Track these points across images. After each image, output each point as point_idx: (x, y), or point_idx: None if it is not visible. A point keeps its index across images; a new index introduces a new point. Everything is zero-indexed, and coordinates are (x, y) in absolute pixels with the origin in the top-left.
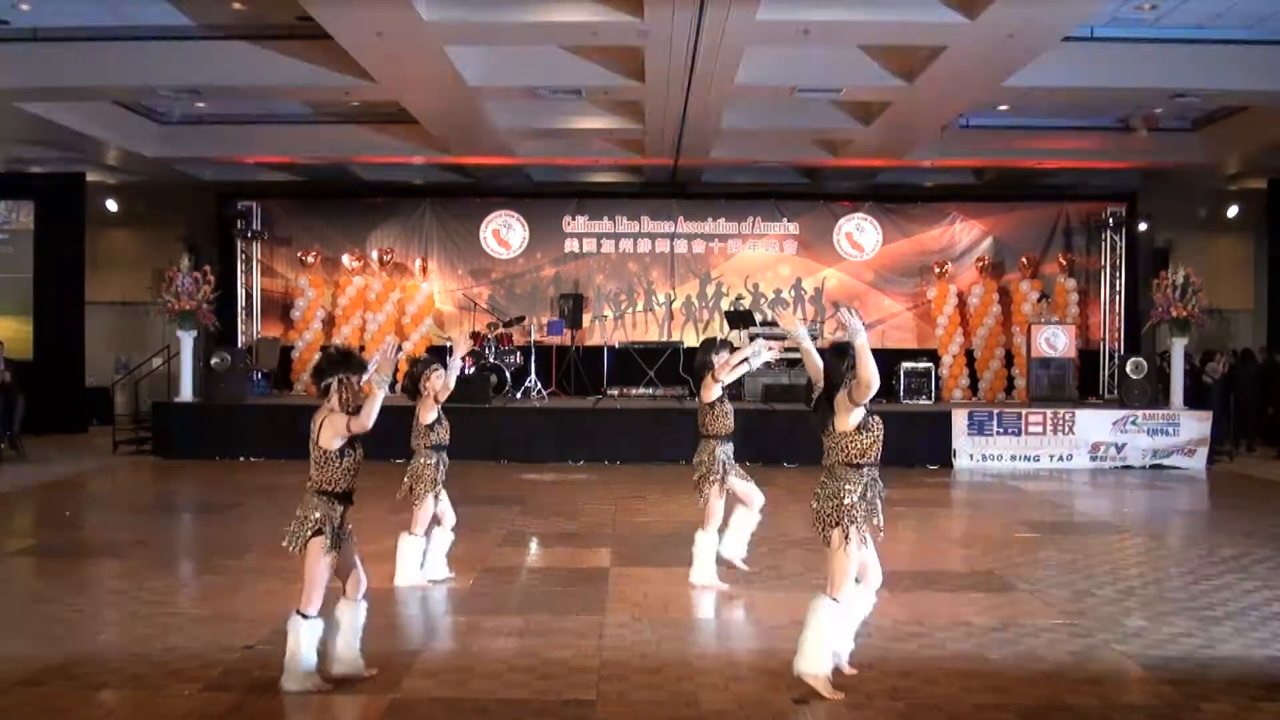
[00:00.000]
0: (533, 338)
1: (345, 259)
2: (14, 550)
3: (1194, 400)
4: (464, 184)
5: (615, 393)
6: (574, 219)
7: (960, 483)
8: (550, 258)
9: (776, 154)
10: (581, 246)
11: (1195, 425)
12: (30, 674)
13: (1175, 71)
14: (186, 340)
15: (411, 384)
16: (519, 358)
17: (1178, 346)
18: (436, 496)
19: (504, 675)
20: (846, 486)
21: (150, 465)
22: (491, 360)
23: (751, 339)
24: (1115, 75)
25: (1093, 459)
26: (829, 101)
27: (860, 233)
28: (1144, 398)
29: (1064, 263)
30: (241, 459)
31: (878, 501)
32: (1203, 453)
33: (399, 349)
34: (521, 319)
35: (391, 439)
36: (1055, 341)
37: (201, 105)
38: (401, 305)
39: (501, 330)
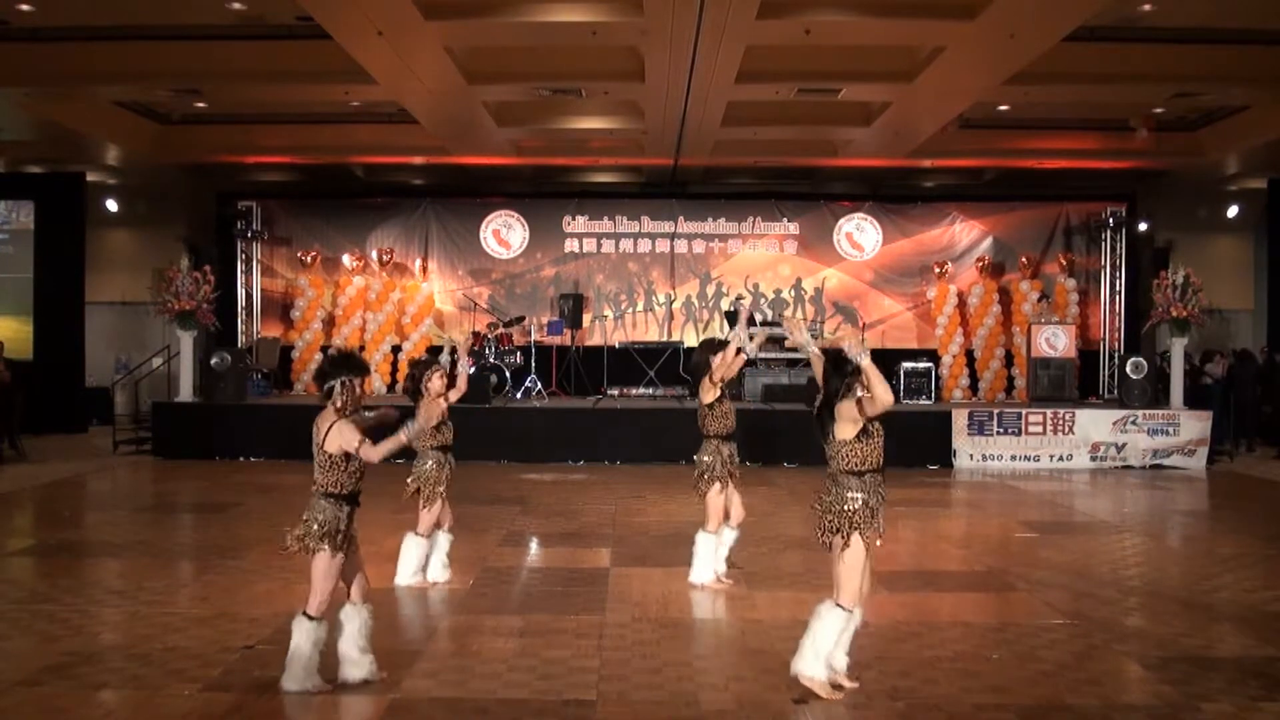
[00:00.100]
0: (533, 338)
1: (345, 259)
2: (14, 550)
3: (1194, 400)
4: (464, 184)
5: (615, 393)
6: (574, 219)
7: (960, 483)
8: (550, 258)
9: (776, 154)
10: (581, 246)
11: (1195, 425)
12: (30, 674)
13: (1175, 71)
14: (186, 340)
15: (413, 384)
16: (519, 358)
17: (1178, 346)
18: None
19: (504, 675)
20: (848, 494)
21: (150, 465)
22: (491, 360)
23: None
24: (1115, 75)
25: (1093, 459)
26: (829, 101)
27: (860, 233)
28: (1144, 398)
29: (1064, 263)
30: (241, 459)
31: (879, 509)
32: (1203, 453)
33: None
34: (521, 319)
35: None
36: (1055, 341)
37: (201, 105)
38: (401, 305)
39: (501, 330)
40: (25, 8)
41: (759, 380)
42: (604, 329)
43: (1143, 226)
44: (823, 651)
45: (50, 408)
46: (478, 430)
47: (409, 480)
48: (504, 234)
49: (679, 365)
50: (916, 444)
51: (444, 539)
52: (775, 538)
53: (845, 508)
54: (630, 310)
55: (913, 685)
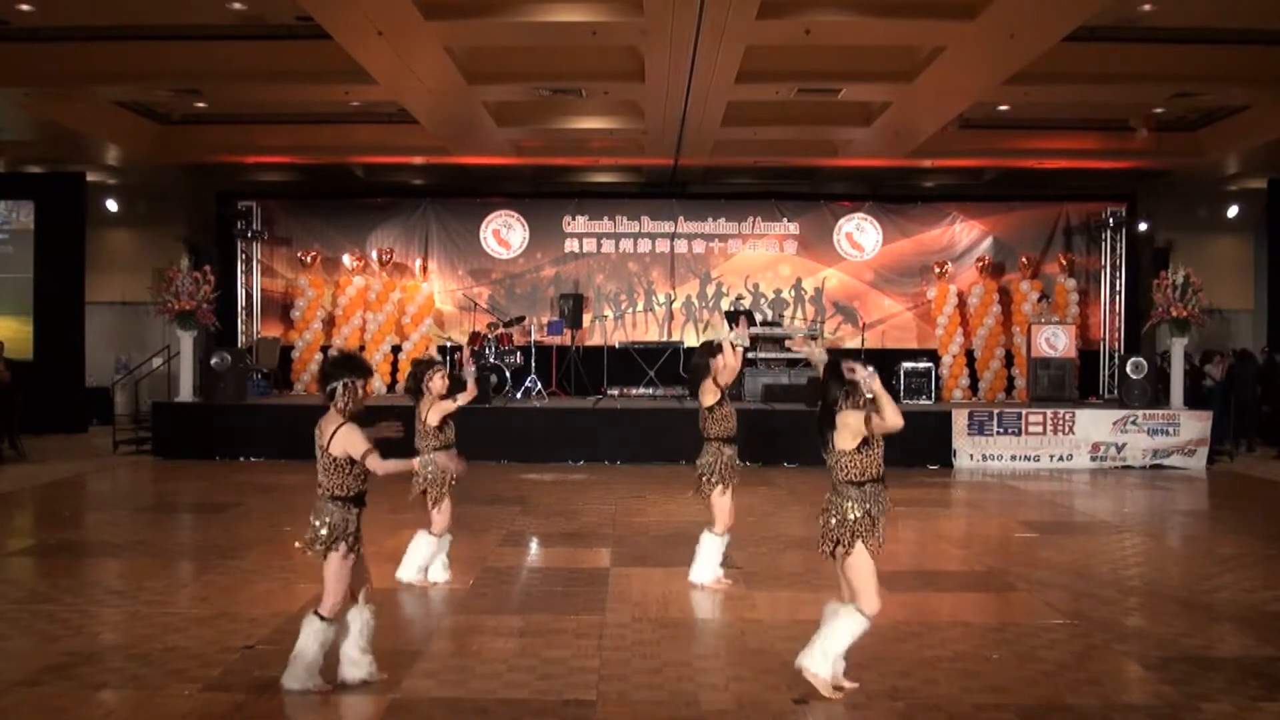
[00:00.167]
0: (533, 338)
1: (345, 259)
2: (14, 550)
3: (1194, 400)
4: (464, 184)
5: (615, 393)
6: (574, 219)
7: (960, 483)
8: (550, 258)
9: (776, 154)
10: (581, 246)
11: (1195, 425)
12: (30, 674)
13: (1175, 71)
14: (186, 340)
15: (415, 383)
16: (519, 358)
17: (1178, 346)
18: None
19: (504, 675)
20: (848, 504)
21: (150, 465)
22: (491, 360)
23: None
24: (1115, 75)
25: (1093, 459)
26: (829, 101)
27: (860, 233)
28: (1144, 398)
29: (1064, 263)
30: (241, 459)
31: (880, 518)
32: (1203, 453)
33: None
34: (521, 319)
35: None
36: (1055, 341)
37: (201, 105)
38: (401, 305)
39: (501, 330)
40: (25, 8)
41: (759, 380)
42: (604, 329)
43: (1143, 226)
44: (832, 652)
45: (50, 408)
46: (478, 430)
47: (414, 481)
48: (504, 234)
49: (679, 365)
50: (916, 444)
51: (445, 540)
52: (775, 538)
53: (847, 518)
54: (630, 310)
55: (913, 685)
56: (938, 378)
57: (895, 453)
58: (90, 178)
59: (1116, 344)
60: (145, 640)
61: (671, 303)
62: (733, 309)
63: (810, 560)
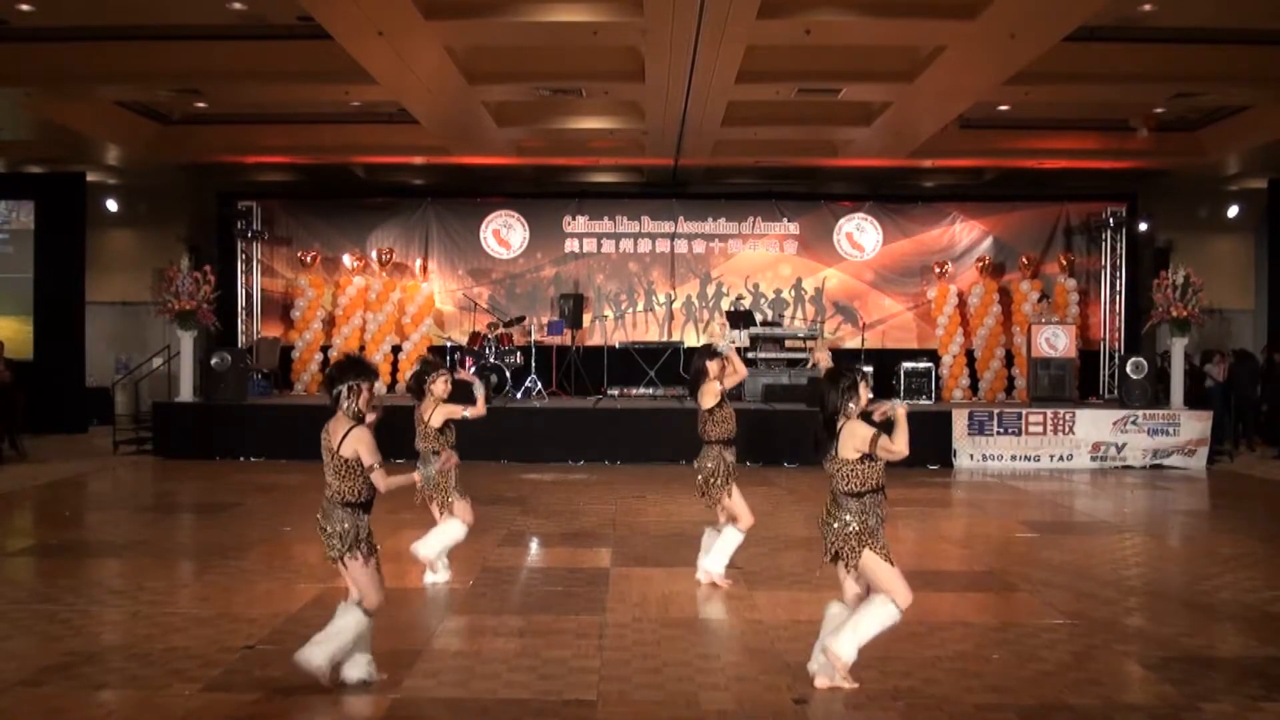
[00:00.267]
0: (533, 338)
1: (345, 259)
2: (14, 550)
3: (1194, 400)
4: (464, 184)
5: (615, 393)
6: (574, 219)
7: (960, 483)
8: (550, 258)
9: (777, 154)
10: (582, 246)
11: (1195, 425)
12: (30, 674)
13: (1175, 71)
14: (186, 340)
15: (416, 384)
16: (519, 358)
17: (1178, 346)
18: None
19: (504, 675)
20: (846, 517)
21: (150, 465)
22: (492, 360)
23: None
24: (1115, 75)
25: (1093, 459)
26: (829, 101)
27: (860, 233)
28: (1144, 398)
29: (1064, 263)
30: (241, 459)
31: (880, 527)
32: (1203, 453)
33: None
34: (522, 319)
35: (395, 439)
36: (1055, 341)
37: (201, 105)
38: (401, 305)
39: (502, 330)
40: (25, 8)
41: (759, 380)
42: (604, 329)
43: (1143, 226)
44: (862, 639)
45: (50, 408)
46: (478, 430)
47: (419, 487)
48: (504, 234)
49: (679, 365)
50: (916, 444)
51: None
52: (775, 538)
53: (846, 531)
54: (630, 310)
55: (913, 685)
56: (938, 378)
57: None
58: (90, 178)
59: (1117, 344)
60: (145, 640)
61: (672, 303)
62: (733, 309)
63: (810, 560)
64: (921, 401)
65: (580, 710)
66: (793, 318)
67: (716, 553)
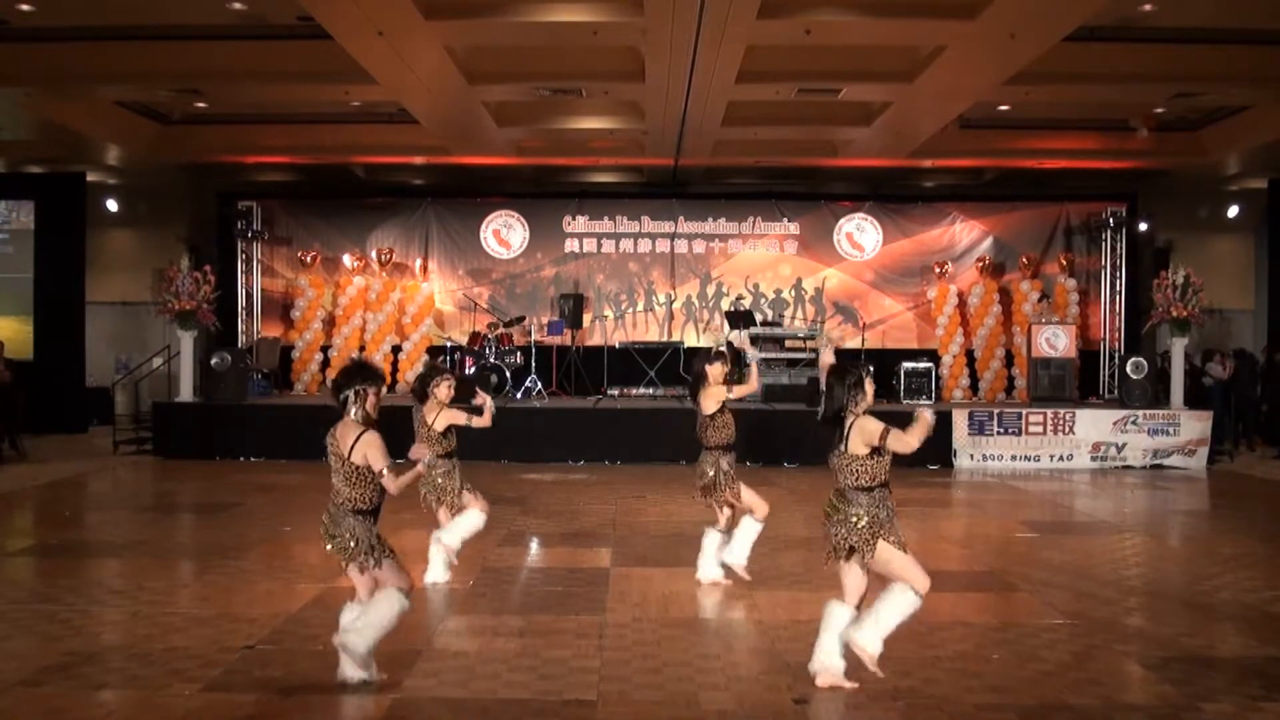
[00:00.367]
0: (533, 338)
1: (345, 259)
2: (14, 550)
3: (1194, 400)
4: (464, 184)
5: (616, 393)
6: (574, 219)
7: (960, 483)
8: (550, 258)
9: (777, 154)
10: (582, 246)
11: (1195, 425)
12: (31, 674)
13: (1175, 71)
14: (186, 340)
15: (421, 387)
16: (519, 358)
17: (1178, 346)
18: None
19: (504, 675)
20: (859, 511)
21: (150, 465)
22: (492, 360)
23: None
24: (1115, 75)
25: (1093, 459)
26: (829, 101)
27: (860, 233)
28: (1144, 398)
29: (1064, 263)
30: (241, 459)
31: (893, 519)
32: (1203, 453)
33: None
34: (522, 319)
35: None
36: (1055, 341)
37: (201, 105)
38: (401, 305)
39: (502, 330)
40: (25, 8)
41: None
42: (604, 329)
43: (1143, 226)
44: (885, 630)
45: (50, 408)
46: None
47: (423, 491)
48: (504, 234)
49: (679, 365)
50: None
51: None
52: (775, 538)
53: (858, 525)
54: (630, 310)
55: (913, 685)
56: (938, 378)
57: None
58: (90, 178)
59: (1117, 344)
60: (146, 640)
61: (672, 303)
62: (733, 309)
63: (811, 560)
64: (921, 402)
65: (580, 710)
66: (793, 318)
67: (738, 544)
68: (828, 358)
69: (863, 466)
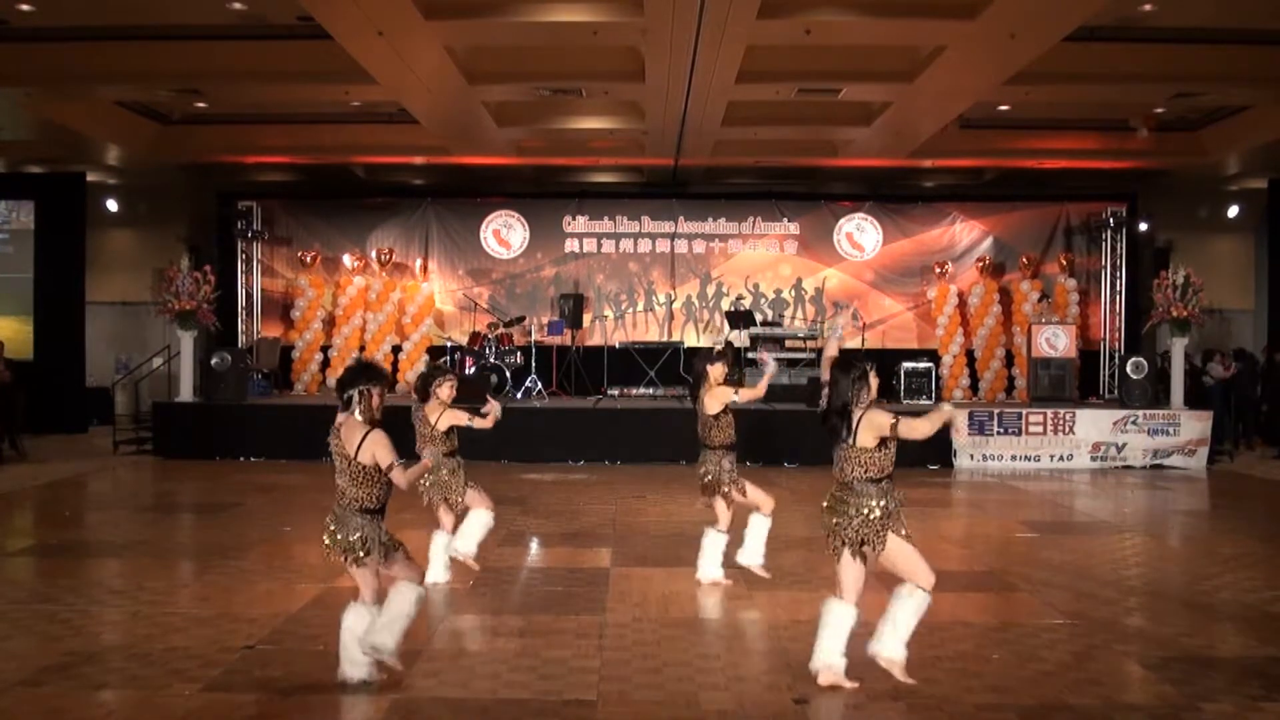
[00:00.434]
0: (533, 338)
1: (345, 259)
2: (14, 550)
3: (1194, 400)
4: (464, 184)
5: (616, 393)
6: (574, 219)
7: (961, 483)
8: (550, 258)
9: (777, 154)
10: (582, 246)
11: (1195, 425)
12: (31, 674)
13: (1175, 71)
14: (187, 340)
15: (423, 385)
16: (519, 358)
17: (1178, 346)
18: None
19: (504, 675)
20: (869, 502)
21: (150, 465)
22: (492, 360)
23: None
24: (1115, 75)
25: (1093, 459)
26: (829, 101)
27: (860, 233)
28: (1144, 398)
29: (1064, 263)
30: (241, 459)
31: (899, 510)
32: (1203, 453)
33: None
34: (522, 319)
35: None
36: (1056, 341)
37: (201, 105)
38: (401, 305)
39: (502, 330)
40: (25, 8)
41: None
42: (604, 329)
43: (1143, 226)
44: (905, 634)
45: (50, 408)
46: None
47: (424, 491)
48: (504, 234)
49: (679, 365)
50: (917, 444)
51: (445, 540)
52: (775, 537)
53: (871, 516)
54: (630, 310)
55: (913, 685)
56: (938, 378)
57: (896, 452)
58: (90, 178)
59: (1117, 344)
60: (146, 640)
61: (672, 303)
62: (733, 309)
63: (811, 560)
64: (921, 401)
65: (580, 710)
66: (793, 318)
67: (752, 544)
68: (832, 350)
69: (871, 458)
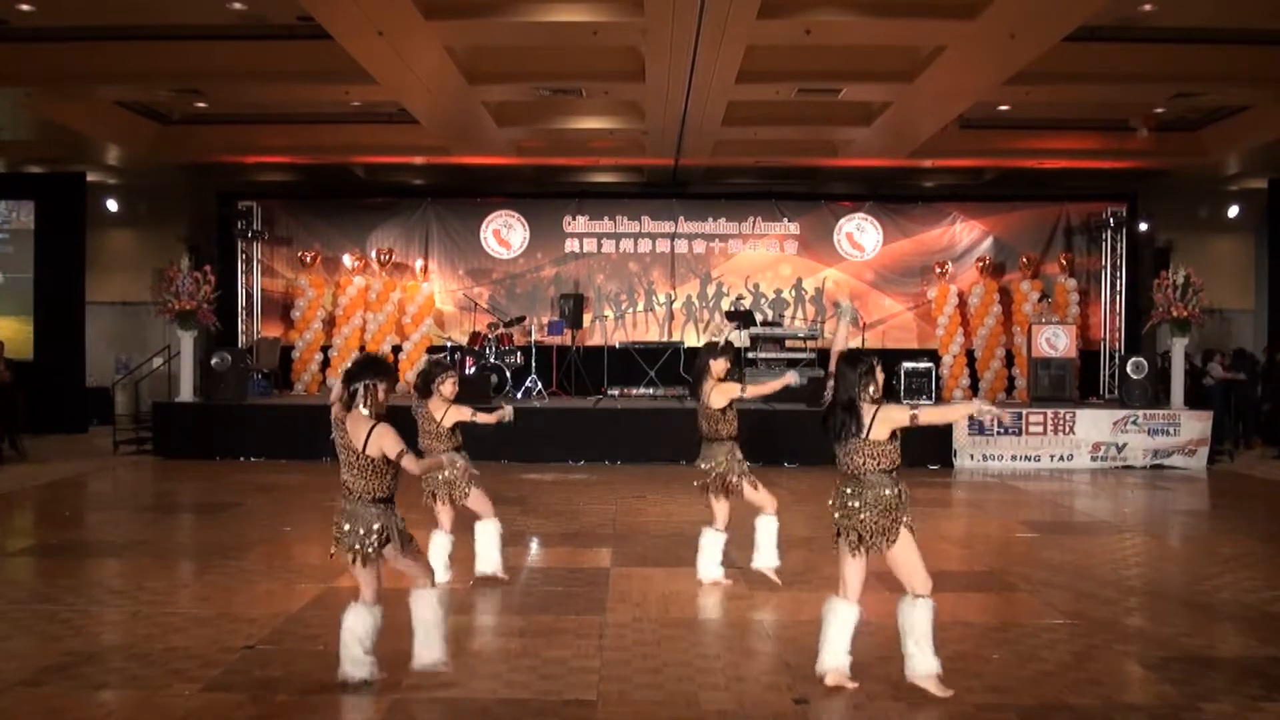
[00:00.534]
0: (533, 338)
1: (345, 259)
2: (14, 550)
3: (1194, 400)
4: (464, 184)
5: (616, 393)
6: (574, 219)
7: (961, 483)
8: (551, 258)
9: (777, 154)
10: (582, 246)
11: (1195, 425)
12: (30, 674)
13: (1175, 71)
14: (187, 340)
15: (424, 382)
16: (519, 358)
17: (1178, 346)
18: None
19: (505, 675)
20: (886, 493)
21: (150, 465)
22: (492, 360)
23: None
24: (1115, 75)
25: (1093, 459)
26: (829, 101)
27: (861, 233)
28: (1144, 398)
29: (1064, 263)
30: (241, 459)
31: (909, 502)
32: (1203, 453)
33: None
34: (522, 319)
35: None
36: (1056, 341)
37: (201, 105)
38: (401, 305)
39: (502, 330)
40: (25, 8)
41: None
42: (604, 329)
43: (1143, 226)
44: (929, 645)
45: (50, 408)
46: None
47: (426, 487)
48: (504, 234)
49: (679, 365)
50: (917, 444)
51: (445, 539)
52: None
53: (891, 504)
54: (631, 310)
55: (913, 685)
56: (938, 378)
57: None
58: (90, 178)
59: (1117, 344)
60: (146, 640)
61: (672, 303)
62: (733, 309)
63: (811, 560)
64: (922, 401)
65: (580, 710)
66: (793, 318)
67: (764, 547)
68: (841, 343)
69: (883, 450)
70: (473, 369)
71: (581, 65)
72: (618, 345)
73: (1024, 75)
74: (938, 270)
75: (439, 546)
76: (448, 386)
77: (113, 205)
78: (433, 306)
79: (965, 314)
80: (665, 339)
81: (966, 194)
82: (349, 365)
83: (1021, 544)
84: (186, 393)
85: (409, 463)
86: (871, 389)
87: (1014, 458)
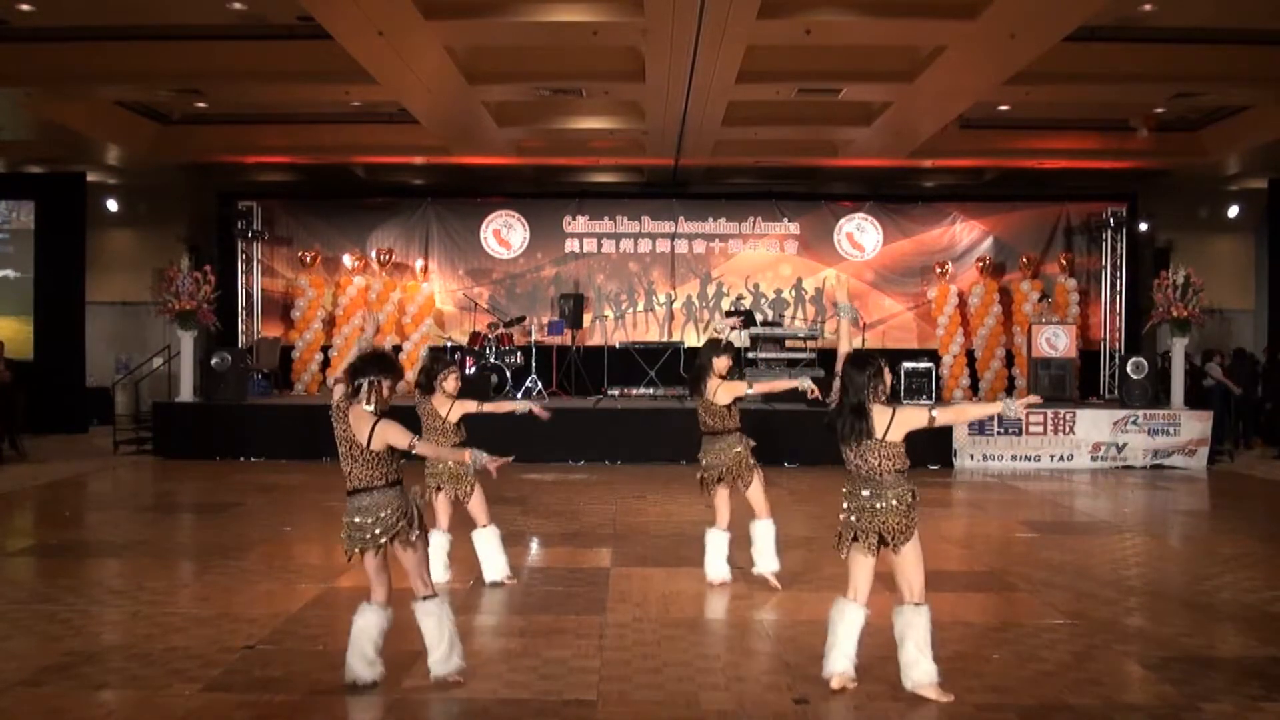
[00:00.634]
0: (533, 338)
1: (345, 259)
2: (14, 550)
3: (1194, 400)
4: (464, 184)
5: (616, 393)
6: (574, 219)
7: (961, 483)
8: (551, 258)
9: (777, 154)
10: (582, 246)
11: (1195, 425)
12: (31, 674)
13: (1175, 71)
14: (187, 340)
15: (425, 379)
16: (519, 358)
17: (1178, 346)
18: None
19: (505, 675)
20: (904, 494)
21: (150, 465)
22: (492, 360)
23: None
24: (1115, 75)
25: (1093, 459)
26: (829, 101)
27: (861, 233)
28: (1144, 398)
29: (1064, 263)
30: (241, 459)
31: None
32: (1203, 453)
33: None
34: (522, 319)
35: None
36: (1056, 341)
37: (201, 105)
38: (401, 305)
39: (502, 330)
40: (25, 8)
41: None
42: (604, 329)
43: (1143, 226)
44: (929, 651)
45: (50, 408)
46: (478, 430)
47: (429, 482)
48: (504, 234)
49: (679, 365)
50: (917, 444)
51: (444, 539)
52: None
53: (913, 501)
54: (631, 310)
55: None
56: (938, 378)
57: None
58: (90, 178)
59: (1117, 344)
60: (146, 640)
61: (672, 303)
62: (733, 309)
63: (811, 560)
64: (922, 402)
65: (580, 710)
66: (793, 318)
67: (764, 553)
68: (845, 345)
69: (898, 451)
70: (473, 369)
71: (581, 65)
72: (618, 345)
73: (1024, 75)
74: (938, 270)
75: (437, 546)
76: (450, 382)
77: (113, 205)
78: (433, 306)
79: (965, 314)
80: (665, 339)
81: (966, 194)
82: (354, 358)
83: (1021, 544)
84: (187, 393)
85: (424, 448)
86: (880, 390)
87: (1014, 458)
